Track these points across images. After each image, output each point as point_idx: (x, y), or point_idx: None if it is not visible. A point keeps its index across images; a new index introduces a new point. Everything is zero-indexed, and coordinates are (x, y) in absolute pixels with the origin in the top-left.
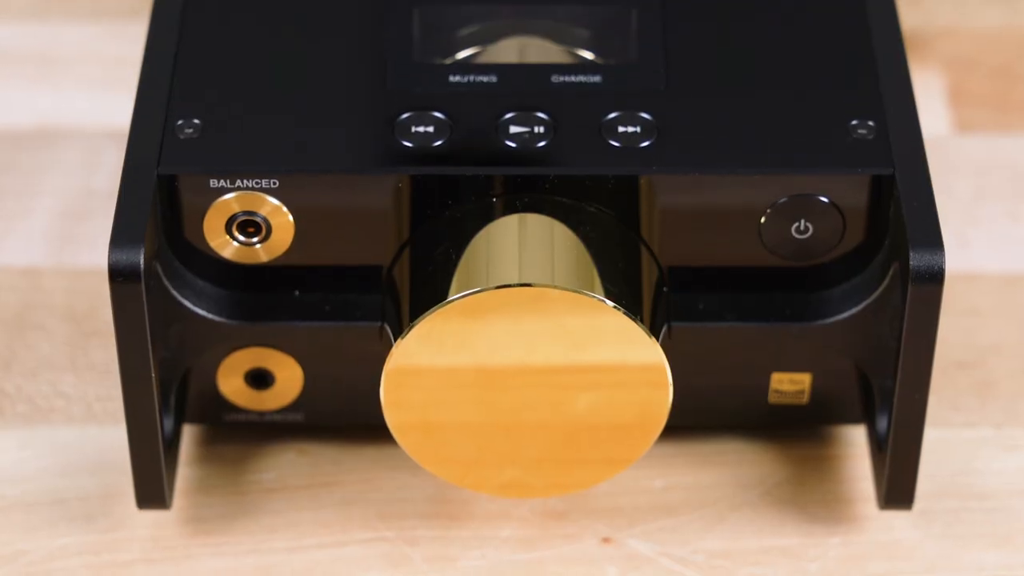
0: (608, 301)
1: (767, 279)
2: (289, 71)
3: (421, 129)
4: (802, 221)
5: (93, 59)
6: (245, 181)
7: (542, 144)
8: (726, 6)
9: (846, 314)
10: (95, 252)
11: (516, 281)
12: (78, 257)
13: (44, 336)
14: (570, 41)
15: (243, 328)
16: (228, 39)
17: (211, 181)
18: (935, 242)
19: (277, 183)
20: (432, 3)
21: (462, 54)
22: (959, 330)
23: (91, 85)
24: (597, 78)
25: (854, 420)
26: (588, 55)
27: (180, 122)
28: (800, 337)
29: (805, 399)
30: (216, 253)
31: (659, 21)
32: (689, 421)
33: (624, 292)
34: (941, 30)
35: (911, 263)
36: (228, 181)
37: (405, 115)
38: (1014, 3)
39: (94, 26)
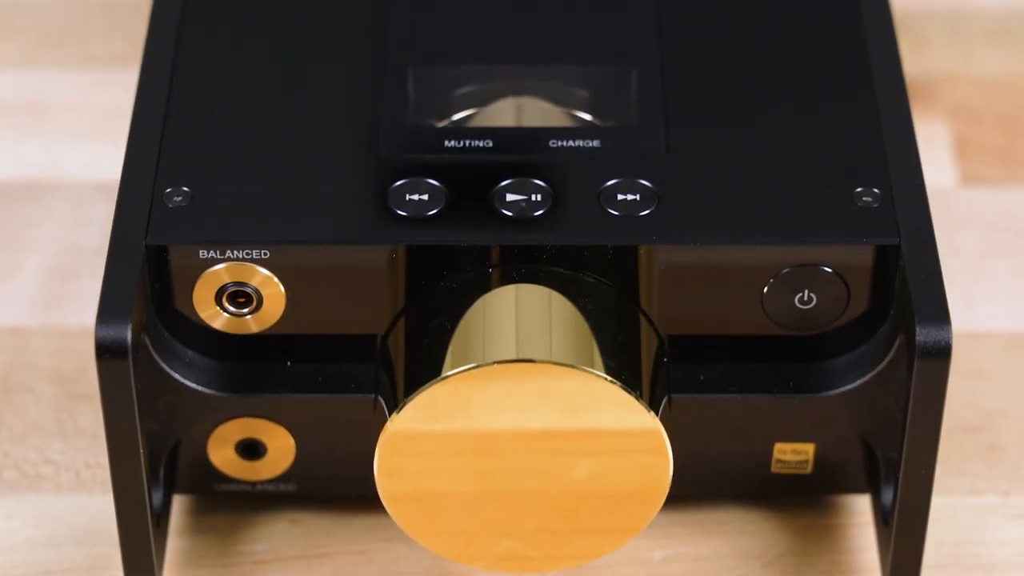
0: (607, 377)
1: (769, 348)
2: (281, 134)
3: (415, 197)
4: (805, 291)
5: (82, 108)
6: (235, 252)
7: (539, 212)
8: (728, 65)
9: (850, 386)
10: (83, 312)
11: (513, 356)
12: (66, 317)
13: (31, 399)
14: (568, 102)
15: (234, 400)
16: (219, 99)
17: (201, 252)
18: (942, 317)
19: (268, 254)
20: (428, 63)
21: (458, 115)
22: (965, 392)
23: (80, 136)
24: (596, 142)
25: (858, 490)
26: (586, 117)
27: (169, 190)
28: (803, 408)
29: (808, 468)
30: (206, 323)
31: (659, 81)
32: (690, 490)
33: (623, 365)
34: (945, 76)
35: (917, 338)
36: (218, 252)
37: (399, 182)
38: (1019, 49)
39: (83, 74)
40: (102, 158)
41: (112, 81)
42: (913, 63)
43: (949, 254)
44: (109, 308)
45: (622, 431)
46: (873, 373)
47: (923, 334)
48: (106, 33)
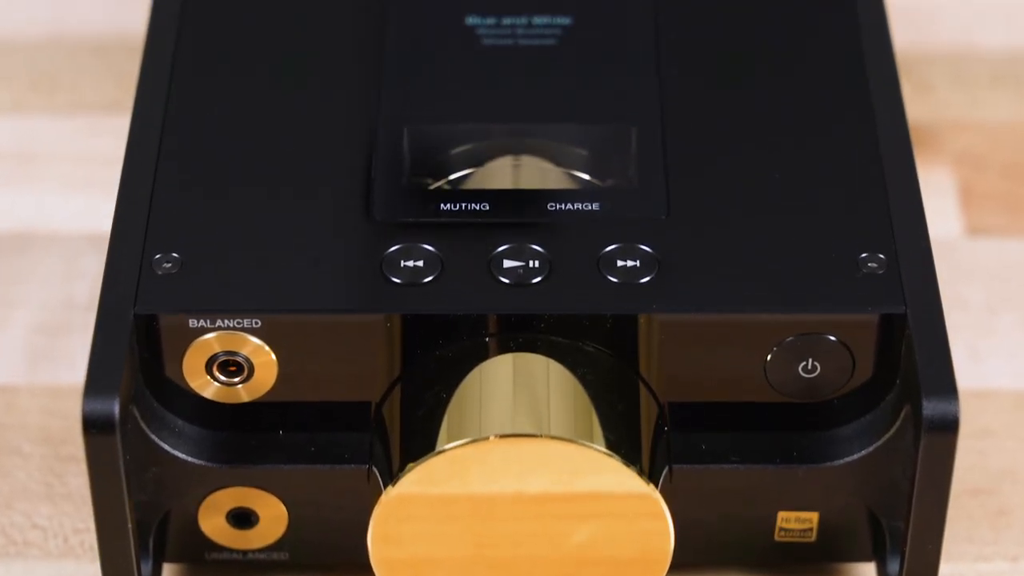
0: (607, 452)
1: (772, 416)
2: (273, 196)
3: (410, 264)
4: (809, 360)
5: (73, 157)
6: (226, 321)
7: (537, 280)
8: (729, 122)
9: (855, 456)
10: (73, 370)
11: (510, 431)
12: (56, 374)
13: (19, 461)
14: (566, 161)
15: (225, 470)
16: (210, 157)
17: (190, 321)
18: (949, 390)
19: (259, 323)
20: (423, 121)
21: (454, 175)
22: (971, 453)
23: (71, 185)
24: (595, 205)
25: (864, 558)
26: (585, 176)
27: (158, 256)
28: (807, 478)
29: (813, 537)
30: (196, 392)
31: (659, 139)
32: (692, 558)
33: (623, 437)
34: (950, 122)
35: (924, 412)
36: (208, 321)
37: (394, 247)
38: None
39: (75, 120)
40: (93, 209)
41: (104, 128)
42: (918, 108)
43: (955, 307)
44: (96, 381)
45: (621, 497)
46: (879, 444)
47: (930, 408)
48: (98, 77)
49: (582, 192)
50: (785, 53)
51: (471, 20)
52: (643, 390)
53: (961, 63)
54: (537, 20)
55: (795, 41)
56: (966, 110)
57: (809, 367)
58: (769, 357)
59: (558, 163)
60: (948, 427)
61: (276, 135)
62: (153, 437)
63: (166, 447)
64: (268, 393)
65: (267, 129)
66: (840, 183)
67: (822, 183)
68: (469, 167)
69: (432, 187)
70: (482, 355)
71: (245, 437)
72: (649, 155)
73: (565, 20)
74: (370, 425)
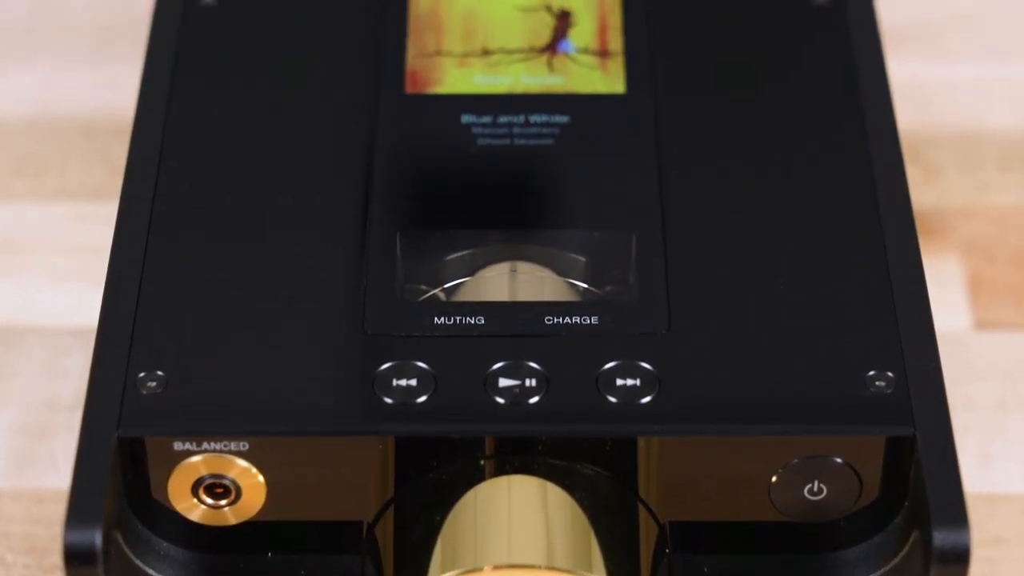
0: None
1: (776, 537)
2: (261, 309)
3: (403, 383)
4: (815, 482)
5: (59, 245)
6: (212, 443)
7: (534, 400)
8: (733, 228)
9: None
10: (58, 474)
11: (506, 561)
12: (40, 479)
13: (1, 572)
14: (564, 269)
15: None
16: (197, 269)
17: (176, 444)
18: (959, 518)
19: (247, 445)
20: (416, 227)
21: (449, 283)
22: (981, 562)
23: (57, 276)
24: (593, 319)
25: None
26: (583, 285)
27: (142, 375)
28: None
29: None
30: (182, 515)
31: (660, 246)
32: None
33: (622, 562)
34: (959, 209)
35: (934, 543)
36: (194, 444)
37: (386, 365)
38: None
39: (61, 206)
40: (80, 301)
41: (92, 215)
42: (925, 193)
43: (963, 406)
44: (78, 511)
45: None
46: (887, 568)
47: (940, 538)
48: (87, 160)
49: (580, 305)
50: (787, 150)
51: (466, 118)
52: (643, 512)
53: (969, 145)
54: (534, 118)
55: (797, 137)
56: (974, 194)
57: (815, 489)
58: (774, 479)
59: (555, 270)
60: (959, 558)
61: (266, 239)
62: (138, 562)
63: (151, 572)
64: (257, 515)
65: (257, 232)
66: (847, 294)
67: (828, 294)
68: (465, 274)
69: (426, 296)
70: (477, 477)
71: (233, 560)
72: (649, 263)
73: (563, 118)
74: (362, 547)
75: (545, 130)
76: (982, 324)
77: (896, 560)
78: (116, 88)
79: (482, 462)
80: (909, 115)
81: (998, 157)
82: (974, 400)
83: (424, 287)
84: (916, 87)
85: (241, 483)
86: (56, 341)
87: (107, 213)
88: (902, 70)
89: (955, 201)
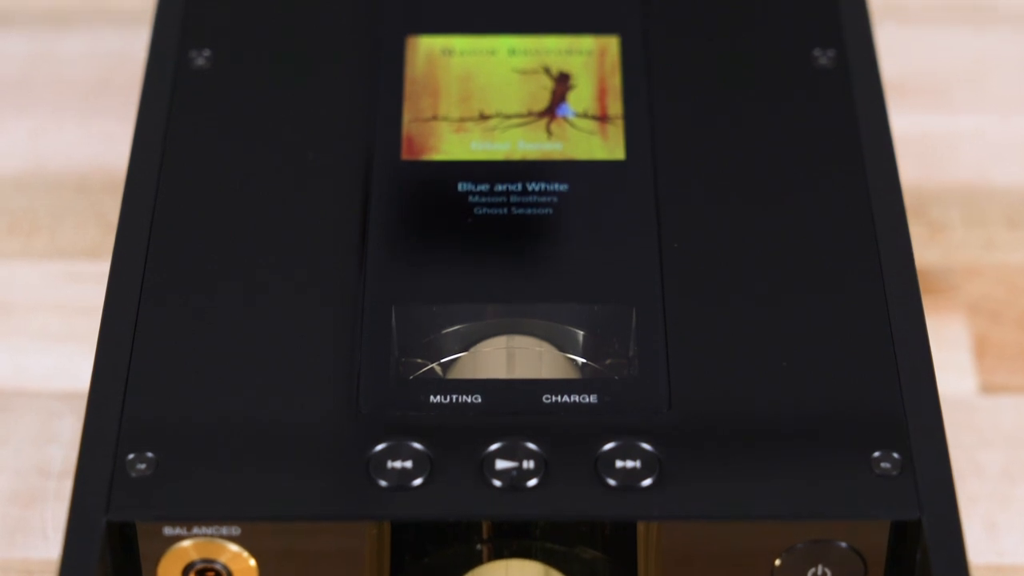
0: None
1: None
2: (254, 385)
3: (398, 465)
4: (819, 567)
5: (51, 307)
6: (203, 528)
7: (531, 483)
8: (734, 300)
9: None
10: (47, 544)
11: None
12: (29, 550)
13: None
14: (563, 343)
15: None
16: (187, 342)
17: (165, 528)
18: None
19: (239, 531)
20: (411, 300)
21: (446, 358)
22: None
23: (47, 338)
24: (592, 398)
25: None
26: (581, 360)
27: (131, 456)
28: None
29: None
30: None
31: (660, 320)
32: None
33: None
34: (965, 267)
35: None
36: (184, 528)
37: (380, 447)
38: None
39: (53, 265)
40: (71, 364)
41: (84, 274)
42: (930, 251)
43: (970, 473)
44: None
45: None
46: None
47: None
48: (80, 218)
49: (579, 383)
50: (788, 216)
51: (463, 186)
52: None
53: (975, 201)
54: (532, 186)
55: (799, 203)
56: (981, 252)
57: (819, 573)
58: (777, 562)
59: (554, 343)
60: None
61: (259, 310)
62: None
63: None
64: None
65: (249, 303)
66: (851, 372)
67: (832, 373)
68: (462, 347)
69: (422, 372)
70: (474, 561)
71: None
72: (649, 338)
73: (562, 187)
74: None
75: (543, 199)
76: (988, 388)
77: None
78: (110, 143)
79: (479, 546)
80: (914, 170)
81: (1005, 213)
82: (981, 467)
83: (420, 360)
84: (922, 141)
85: (232, 568)
86: (46, 406)
87: (100, 272)
88: (908, 124)
89: (961, 259)
